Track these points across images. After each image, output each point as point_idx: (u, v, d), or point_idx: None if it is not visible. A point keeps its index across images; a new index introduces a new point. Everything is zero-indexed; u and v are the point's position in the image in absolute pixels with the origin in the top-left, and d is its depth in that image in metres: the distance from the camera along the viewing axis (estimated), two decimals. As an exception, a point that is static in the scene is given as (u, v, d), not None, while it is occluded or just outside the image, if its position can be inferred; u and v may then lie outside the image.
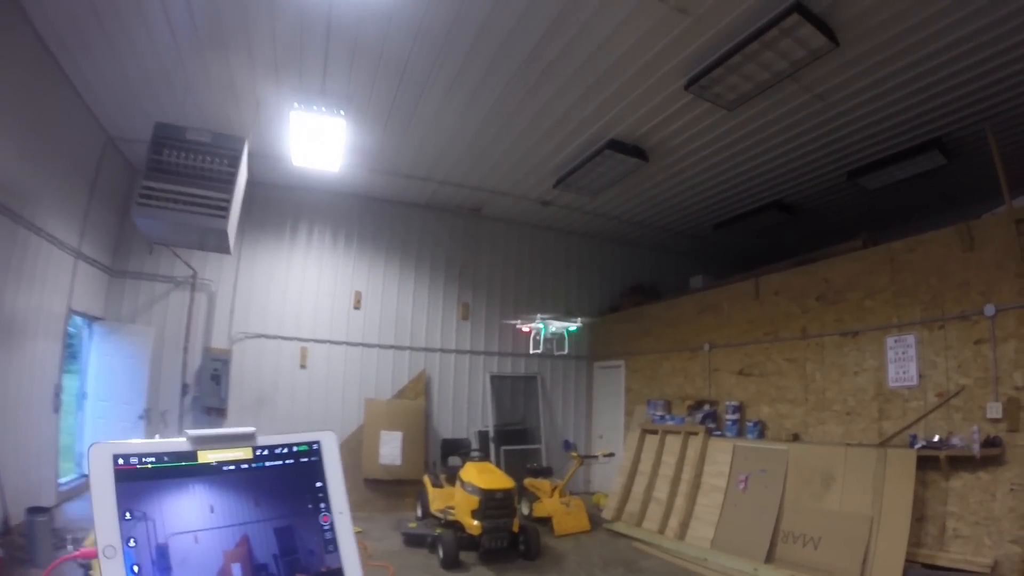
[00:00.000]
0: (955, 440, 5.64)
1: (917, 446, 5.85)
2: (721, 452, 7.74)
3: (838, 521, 6.22)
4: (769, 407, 7.64)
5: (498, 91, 6.81)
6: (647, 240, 11.95)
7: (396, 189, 9.87)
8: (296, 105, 7.08)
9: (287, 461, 1.11)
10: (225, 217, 6.49)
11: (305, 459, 1.14)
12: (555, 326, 7.03)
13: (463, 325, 10.71)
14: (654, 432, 8.85)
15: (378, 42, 5.96)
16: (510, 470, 8.95)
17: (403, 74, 6.55)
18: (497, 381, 10.68)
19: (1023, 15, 5.17)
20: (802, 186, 8.41)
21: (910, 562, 5.58)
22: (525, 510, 8.84)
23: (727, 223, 9.86)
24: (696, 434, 8.11)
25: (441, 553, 6.73)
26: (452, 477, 8.36)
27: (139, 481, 0.95)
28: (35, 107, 6.27)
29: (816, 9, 5.29)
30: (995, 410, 5.44)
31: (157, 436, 1.18)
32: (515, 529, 7.03)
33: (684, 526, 7.66)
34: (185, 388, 9.16)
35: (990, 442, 5.38)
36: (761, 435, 7.58)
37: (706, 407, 8.37)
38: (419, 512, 8.48)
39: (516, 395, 10.80)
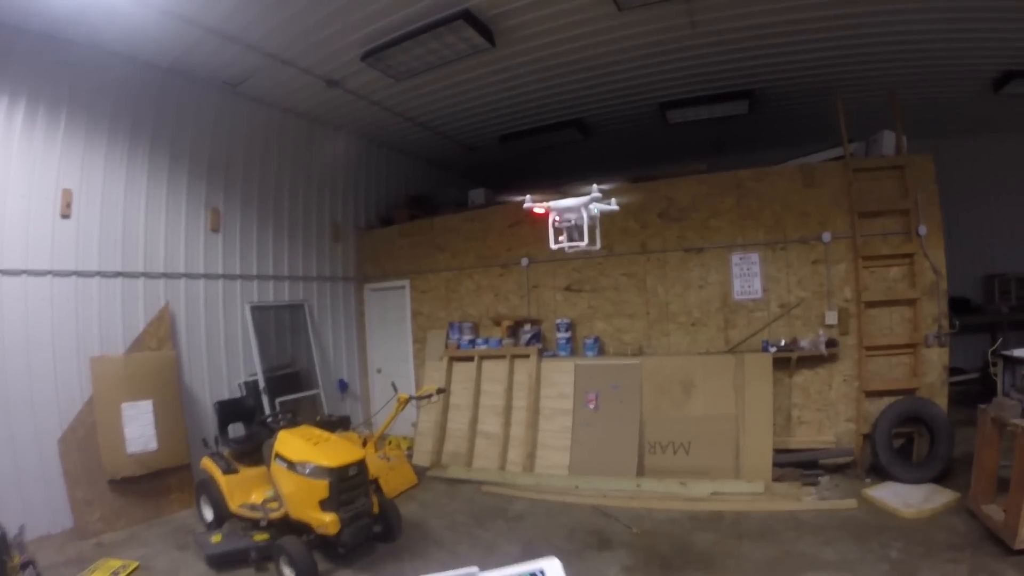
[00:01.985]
0: (803, 343, 6.78)
1: (771, 350, 6.80)
2: (559, 373, 7.34)
3: (705, 424, 6.76)
4: (605, 323, 7.59)
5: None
6: (426, 148, 10.04)
7: (138, 35, 5.76)
8: None
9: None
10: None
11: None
12: (595, 207, 4.72)
13: (213, 239, 7.09)
14: (467, 359, 7.72)
15: None
16: (292, 425, 6.52)
17: None
18: (259, 313, 7.48)
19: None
20: (612, 108, 8.33)
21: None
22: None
23: (518, 135, 9.01)
24: (526, 357, 7.46)
25: (290, 572, 4.46)
26: (244, 454, 5.70)
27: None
28: None
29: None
30: (832, 317, 6.74)
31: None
32: (376, 511, 5.20)
33: (531, 457, 7.07)
34: None
35: (830, 343, 6.68)
36: (601, 352, 7.50)
37: (527, 327, 7.74)
38: (207, 515, 5.53)
39: (282, 330, 7.82)
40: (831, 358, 6.71)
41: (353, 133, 9.39)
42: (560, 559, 1.62)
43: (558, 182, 8.73)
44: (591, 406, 7.10)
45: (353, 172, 9.53)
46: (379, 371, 9.13)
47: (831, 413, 6.76)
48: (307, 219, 8.67)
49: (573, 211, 4.22)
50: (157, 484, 5.95)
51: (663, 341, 7.38)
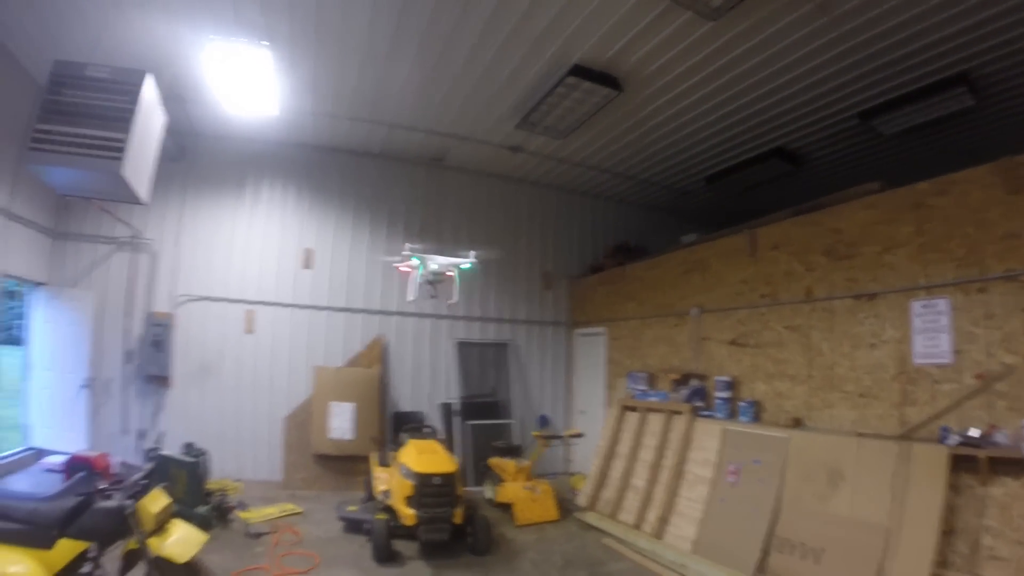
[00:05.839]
0: (999, 436, 4.37)
1: (950, 441, 4.59)
2: (708, 436, 6.55)
3: (846, 530, 5.02)
4: (766, 384, 6.40)
5: (429, 6, 5.61)
6: (632, 195, 10.77)
7: (345, 135, 8.80)
8: (212, 37, 6.02)
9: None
10: (119, 159, 5.52)
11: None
12: (438, 264, 6.18)
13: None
14: (635, 409, 7.70)
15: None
16: (477, 447, 7.92)
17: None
18: (464, 348, 9.61)
19: None
20: (807, 129, 6.97)
21: (934, 586, 4.40)
22: (488, 493, 7.97)
23: (721, 175, 8.47)
24: (680, 413, 6.93)
25: (370, 543, 5.90)
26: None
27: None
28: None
29: None
30: (1054, 398, 4.16)
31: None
32: (457, 520, 6.03)
33: (663, 522, 6.55)
34: (128, 355, 8.42)
35: (1045, 440, 4.11)
36: (756, 418, 6.38)
37: (693, 382, 7.16)
38: (366, 493, 7.53)
39: (486, 364, 9.73)
40: (1049, 464, 4.06)
41: (551, 187, 10.48)
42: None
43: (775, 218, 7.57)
44: (731, 479, 6.08)
45: (564, 223, 10.62)
46: (583, 412, 9.55)
47: (1045, 554, 4.03)
48: (516, 268, 10.13)
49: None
50: (349, 465, 8.30)
51: (826, 413, 5.68)
